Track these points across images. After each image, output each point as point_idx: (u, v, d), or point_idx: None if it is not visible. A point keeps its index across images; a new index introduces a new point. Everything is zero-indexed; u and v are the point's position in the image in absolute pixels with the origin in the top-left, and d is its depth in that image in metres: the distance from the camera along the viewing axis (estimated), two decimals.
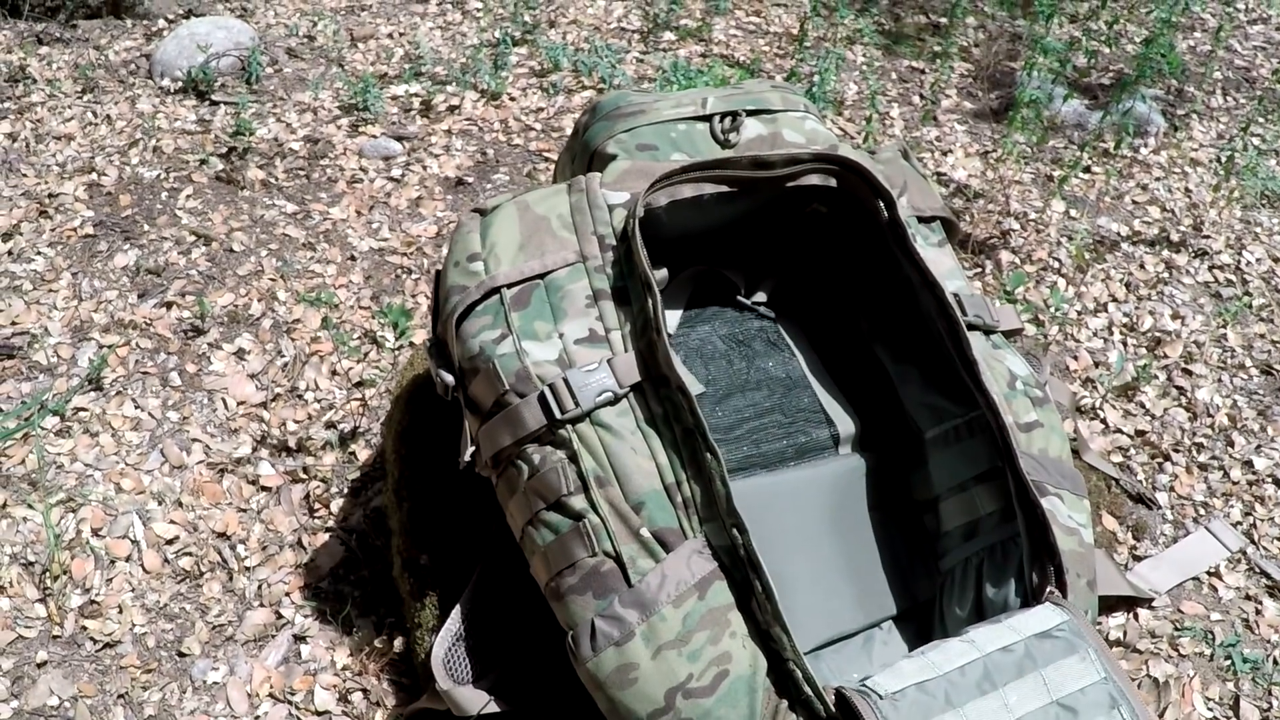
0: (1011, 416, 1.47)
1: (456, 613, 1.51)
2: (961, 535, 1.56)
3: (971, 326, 1.53)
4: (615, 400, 1.32)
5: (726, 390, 1.61)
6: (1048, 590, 1.35)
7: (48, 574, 1.85)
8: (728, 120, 1.57)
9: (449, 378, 1.41)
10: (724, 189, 1.48)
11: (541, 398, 1.31)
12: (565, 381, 1.31)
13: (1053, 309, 2.44)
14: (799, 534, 1.54)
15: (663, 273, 1.55)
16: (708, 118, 1.58)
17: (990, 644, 1.24)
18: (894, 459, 1.66)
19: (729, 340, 1.66)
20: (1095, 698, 1.22)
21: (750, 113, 1.60)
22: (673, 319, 1.66)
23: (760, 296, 1.73)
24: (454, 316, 1.39)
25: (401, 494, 1.71)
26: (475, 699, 1.45)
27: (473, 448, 1.40)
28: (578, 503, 1.29)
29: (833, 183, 1.54)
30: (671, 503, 1.28)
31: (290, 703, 1.71)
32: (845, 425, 1.65)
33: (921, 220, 1.63)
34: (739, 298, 1.72)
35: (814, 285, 1.77)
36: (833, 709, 1.21)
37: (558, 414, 1.30)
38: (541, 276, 1.39)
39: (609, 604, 1.26)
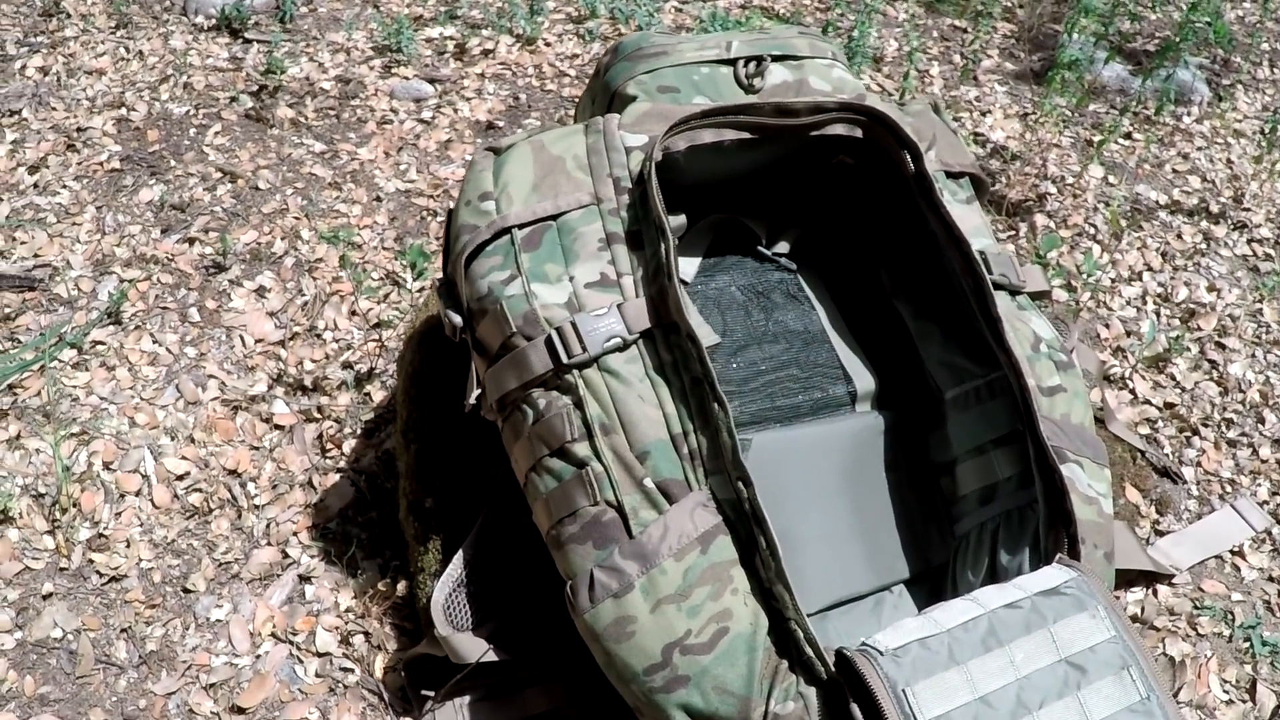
0: (1034, 379, 1.44)
1: (459, 558, 1.49)
2: (978, 499, 1.53)
3: (997, 285, 1.49)
4: (624, 346, 1.29)
5: (743, 342, 1.58)
6: (1057, 556, 1.32)
7: (57, 506, 1.84)
8: (752, 65, 1.54)
9: (457, 318, 1.39)
10: (746, 135, 1.44)
11: (549, 341, 1.29)
12: (573, 325, 1.28)
13: (1085, 275, 2.39)
14: (811, 491, 1.51)
15: (681, 219, 1.52)
16: (732, 61, 1.54)
17: (994, 601, 1.21)
18: (913, 419, 1.62)
19: (748, 291, 1.63)
20: (1105, 656, 1.19)
21: (776, 58, 1.56)
22: (691, 267, 1.62)
23: (782, 247, 1.69)
24: (463, 256, 1.36)
25: (409, 436, 1.69)
26: (473, 646, 1.44)
27: (479, 390, 1.38)
28: (581, 450, 1.27)
29: (858, 133, 1.50)
30: (677, 453, 1.26)
31: (291, 643, 1.70)
32: (864, 382, 1.61)
33: (950, 176, 1.59)
34: (760, 248, 1.68)
35: (838, 238, 1.73)
36: (833, 670, 1.19)
37: (564, 358, 1.28)
38: (554, 218, 1.36)
39: (609, 554, 1.23)
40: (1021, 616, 1.20)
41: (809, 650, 1.19)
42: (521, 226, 1.35)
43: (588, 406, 1.27)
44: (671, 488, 1.24)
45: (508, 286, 1.33)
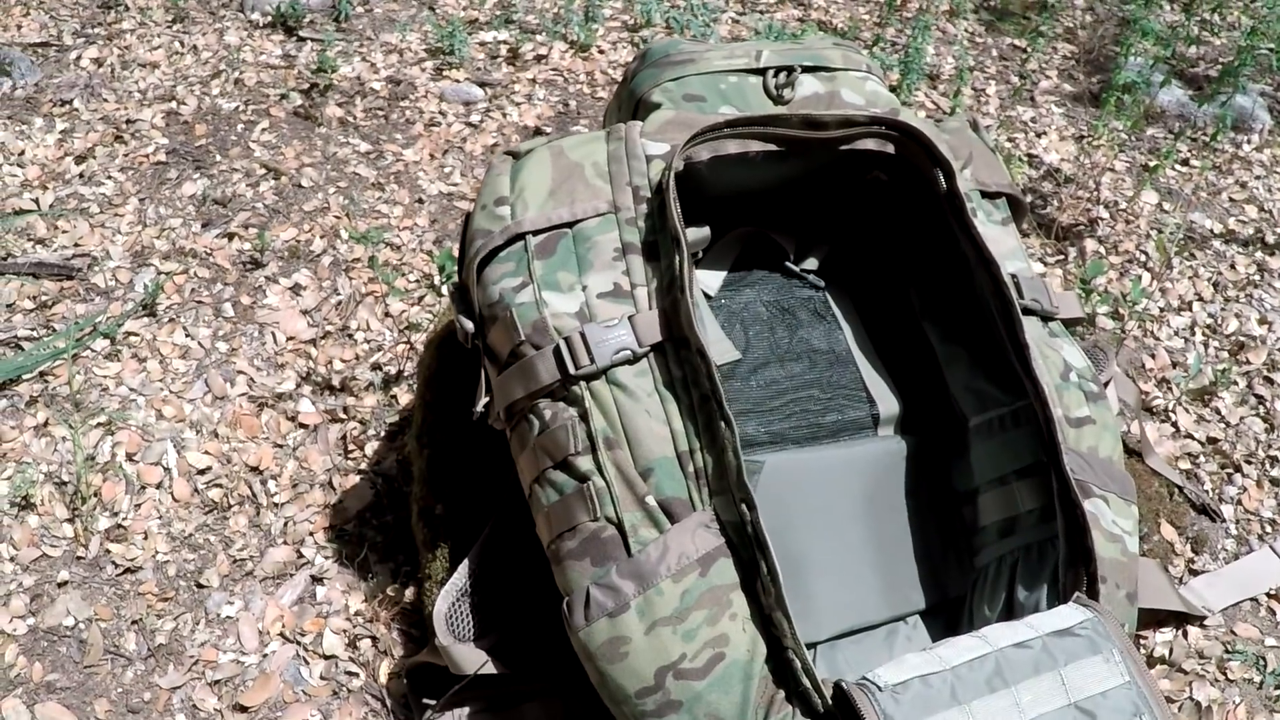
0: (1061, 409, 1.38)
1: (463, 568, 1.47)
2: (998, 531, 1.47)
3: (1028, 311, 1.44)
4: (634, 359, 1.26)
5: (765, 359, 1.54)
6: (1075, 594, 1.27)
7: (78, 495, 1.84)
8: (782, 75, 1.49)
9: (469, 324, 1.36)
10: (772, 148, 1.41)
11: (556, 351, 1.26)
12: (582, 336, 1.25)
13: (1131, 303, 2.32)
14: (827, 516, 1.47)
15: (704, 231, 1.48)
16: (761, 71, 1.50)
17: (1003, 640, 1.17)
18: (936, 444, 1.58)
19: (773, 307, 1.59)
20: (1117, 702, 1.14)
21: (807, 69, 1.51)
22: (716, 280, 1.59)
23: (811, 264, 1.65)
24: (476, 261, 1.33)
25: (423, 441, 1.67)
26: (473, 658, 1.41)
27: (487, 398, 1.35)
28: (584, 464, 1.24)
29: (890, 148, 1.46)
30: (682, 471, 1.22)
31: (299, 644, 1.68)
32: (887, 405, 1.57)
33: (986, 195, 1.54)
34: (788, 263, 1.64)
35: (869, 255, 1.68)
36: (830, 703, 1.15)
37: (572, 369, 1.25)
38: (570, 225, 1.33)
39: (606, 572, 1.20)
40: (1031, 657, 1.15)
41: (806, 681, 1.16)
42: (536, 233, 1.32)
43: (593, 419, 1.24)
44: (674, 506, 1.21)
45: (519, 294, 1.30)
